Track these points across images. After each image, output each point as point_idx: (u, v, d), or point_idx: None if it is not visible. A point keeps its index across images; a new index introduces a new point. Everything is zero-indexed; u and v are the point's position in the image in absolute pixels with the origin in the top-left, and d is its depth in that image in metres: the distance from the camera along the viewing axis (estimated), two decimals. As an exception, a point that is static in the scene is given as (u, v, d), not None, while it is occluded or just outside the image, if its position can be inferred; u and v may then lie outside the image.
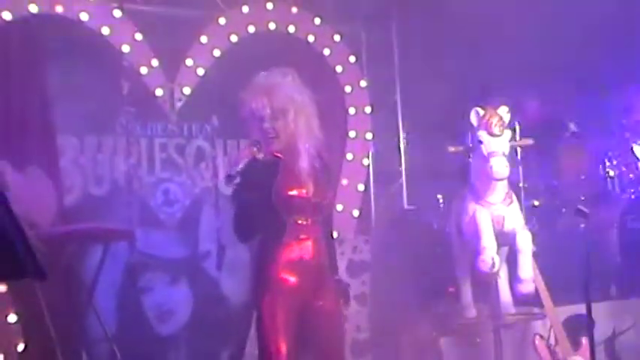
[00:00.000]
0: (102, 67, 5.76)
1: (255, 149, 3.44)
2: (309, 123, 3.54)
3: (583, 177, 6.30)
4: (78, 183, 5.97)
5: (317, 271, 3.53)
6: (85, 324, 5.43)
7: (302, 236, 3.49)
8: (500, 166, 4.55)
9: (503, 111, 4.72)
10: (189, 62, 6.17)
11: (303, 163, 3.50)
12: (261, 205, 3.42)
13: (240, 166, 3.38)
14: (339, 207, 6.33)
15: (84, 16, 5.74)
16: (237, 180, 3.38)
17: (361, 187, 6.68)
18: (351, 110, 6.74)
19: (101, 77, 5.68)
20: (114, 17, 5.87)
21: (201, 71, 6.20)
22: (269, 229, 3.49)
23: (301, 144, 3.51)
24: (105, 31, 5.83)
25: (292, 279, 3.46)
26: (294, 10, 6.49)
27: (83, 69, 5.53)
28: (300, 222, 3.49)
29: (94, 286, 5.34)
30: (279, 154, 3.52)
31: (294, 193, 3.48)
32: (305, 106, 3.52)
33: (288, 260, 3.46)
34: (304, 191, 3.50)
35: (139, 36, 5.94)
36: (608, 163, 6.22)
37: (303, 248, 3.49)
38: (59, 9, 5.66)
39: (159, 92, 6.09)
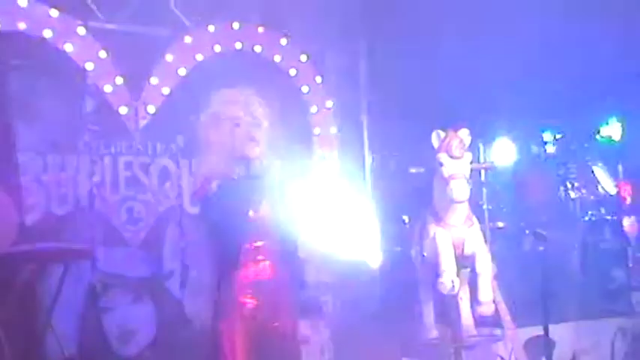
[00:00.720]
0: (65, 84, 5.73)
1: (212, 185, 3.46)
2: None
3: (545, 199, 6.35)
4: (40, 202, 5.88)
5: (275, 292, 3.50)
6: (43, 345, 5.34)
7: (259, 257, 3.47)
8: (460, 189, 4.57)
9: (464, 134, 4.75)
10: (154, 81, 6.15)
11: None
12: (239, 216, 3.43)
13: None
14: (305, 226, 6.31)
15: (47, 33, 5.70)
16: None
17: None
18: (317, 130, 6.76)
19: (64, 95, 5.65)
20: (78, 35, 5.83)
21: (166, 90, 6.18)
22: (225, 250, 3.48)
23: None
24: (68, 48, 5.79)
25: (249, 301, 3.44)
26: (261, 30, 6.50)
27: (46, 86, 5.50)
28: (255, 243, 3.47)
29: (53, 306, 5.26)
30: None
31: (248, 215, 3.45)
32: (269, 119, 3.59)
33: (244, 282, 3.44)
34: (252, 214, 3.46)
35: (103, 54, 5.90)
36: (569, 186, 6.29)
37: (260, 269, 3.46)
38: (22, 26, 5.60)
39: (123, 110, 6.05)
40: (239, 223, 3.44)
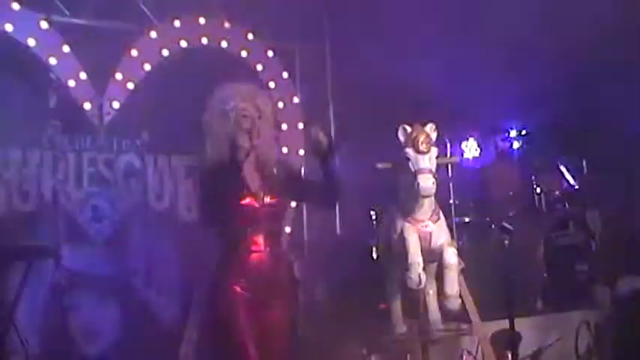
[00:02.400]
0: (28, 79, 5.65)
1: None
2: (272, 131, 3.63)
3: (512, 194, 6.40)
4: (2, 198, 5.80)
5: (269, 282, 3.47)
6: (5, 344, 5.25)
7: (254, 246, 3.45)
8: (426, 183, 4.57)
9: (431, 128, 4.75)
10: (118, 76, 6.08)
11: (251, 169, 3.50)
12: (221, 202, 3.41)
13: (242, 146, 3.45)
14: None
15: (9, 27, 5.62)
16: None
17: (293, 204, 6.67)
18: (284, 126, 6.73)
19: (27, 90, 5.57)
20: (40, 29, 5.75)
21: (131, 85, 6.12)
22: (225, 239, 3.48)
23: (271, 148, 3.58)
24: (31, 42, 5.71)
25: (244, 292, 3.41)
26: (227, 25, 6.47)
27: (8, 81, 5.42)
28: (252, 232, 3.45)
29: (16, 305, 5.16)
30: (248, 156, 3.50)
31: (244, 202, 3.44)
32: (272, 114, 3.61)
33: (241, 272, 3.42)
34: (254, 201, 3.46)
35: (66, 48, 5.83)
36: (535, 180, 6.35)
37: (255, 258, 3.45)
38: (-18, 19, 5.52)
39: (87, 106, 5.98)
40: (237, 208, 3.44)
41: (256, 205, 3.45)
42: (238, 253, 3.44)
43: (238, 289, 3.41)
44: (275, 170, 3.59)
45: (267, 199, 3.49)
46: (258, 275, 3.43)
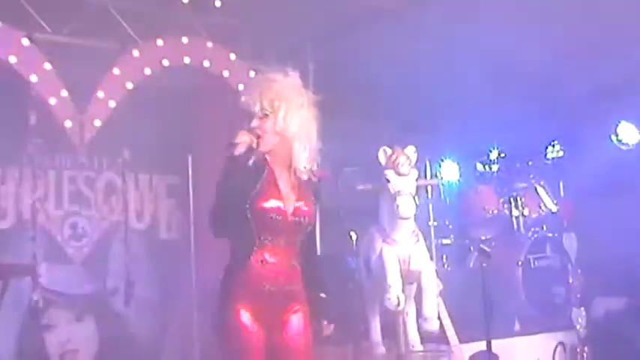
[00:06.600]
0: (8, 96, 5.63)
1: (255, 139, 3.02)
2: (306, 127, 3.11)
3: (489, 216, 6.46)
4: (-21, 215, 5.77)
5: (282, 299, 3.08)
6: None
7: (269, 259, 3.05)
8: (406, 205, 4.62)
9: (411, 151, 4.81)
10: (100, 94, 6.06)
11: (287, 173, 3.11)
12: (237, 208, 3.01)
13: (241, 150, 2.97)
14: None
15: (-11, 44, 5.60)
16: (232, 153, 2.97)
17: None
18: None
19: (7, 106, 5.54)
20: (22, 46, 5.73)
21: (112, 103, 6.10)
22: (237, 250, 3.07)
23: (291, 147, 3.09)
24: (12, 59, 5.68)
25: (250, 311, 3.01)
26: (210, 44, 6.49)
27: (-12, 98, 5.38)
28: (269, 243, 3.05)
29: (-8, 324, 5.14)
30: (266, 158, 3.09)
31: (269, 205, 3.04)
32: (302, 108, 3.11)
33: (248, 287, 3.02)
34: (281, 205, 3.08)
35: (47, 66, 5.81)
36: (513, 203, 6.41)
37: (269, 272, 3.05)
38: (-37, 36, 5.50)
39: (68, 124, 5.94)
40: (255, 212, 3.03)
41: (279, 209, 3.05)
42: (249, 264, 3.03)
43: (246, 307, 3.02)
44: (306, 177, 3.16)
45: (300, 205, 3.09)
46: (271, 292, 3.04)
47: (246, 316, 3.01)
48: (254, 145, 3.02)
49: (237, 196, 3.00)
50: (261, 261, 3.05)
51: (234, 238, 3.09)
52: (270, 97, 3.06)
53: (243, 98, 3.12)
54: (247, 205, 3.01)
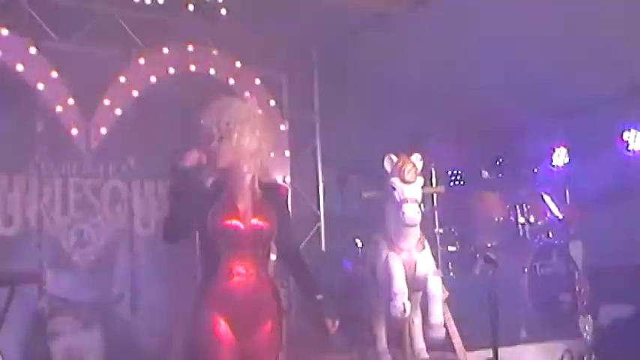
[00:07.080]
0: (15, 104, 5.63)
1: (203, 156, 3.22)
2: (259, 146, 3.32)
3: (495, 224, 6.46)
4: (-15, 223, 5.78)
5: (253, 308, 3.23)
6: (-14, 371, 5.20)
7: (237, 270, 3.22)
8: (412, 213, 4.61)
9: (417, 158, 4.81)
10: (106, 102, 6.09)
11: (243, 188, 3.29)
12: (191, 218, 3.23)
13: (187, 164, 3.19)
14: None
15: (-3, 52, 5.62)
16: (179, 177, 3.19)
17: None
18: (271, 154, 6.74)
19: (14, 114, 5.55)
20: (29, 54, 5.76)
21: (119, 111, 6.12)
22: (206, 262, 3.27)
23: (245, 167, 3.30)
24: (19, 67, 5.71)
25: (222, 321, 3.18)
26: (215, 52, 6.51)
27: (-4, 105, 5.40)
28: (235, 255, 3.23)
29: (-2, 331, 5.13)
30: (223, 176, 3.30)
31: (229, 223, 3.25)
32: (255, 129, 3.31)
33: (219, 298, 3.19)
34: (240, 224, 3.26)
35: (54, 74, 5.83)
36: (519, 210, 6.40)
37: (238, 284, 3.22)
38: (-29, 45, 5.53)
39: (74, 131, 5.98)
40: (216, 231, 3.23)
41: (237, 226, 3.25)
42: (218, 277, 3.22)
43: (219, 317, 3.20)
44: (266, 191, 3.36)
45: (256, 222, 3.28)
46: (241, 302, 3.22)
47: (218, 325, 3.19)
48: (203, 161, 3.25)
49: (188, 209, 3.23)
50: (229, 271, 3.24)
51: (202, 249, 3.31)
52: (225, 120, 3.28)
53: (202, 121, 3.33)
54: (208, 221, 3.24)
